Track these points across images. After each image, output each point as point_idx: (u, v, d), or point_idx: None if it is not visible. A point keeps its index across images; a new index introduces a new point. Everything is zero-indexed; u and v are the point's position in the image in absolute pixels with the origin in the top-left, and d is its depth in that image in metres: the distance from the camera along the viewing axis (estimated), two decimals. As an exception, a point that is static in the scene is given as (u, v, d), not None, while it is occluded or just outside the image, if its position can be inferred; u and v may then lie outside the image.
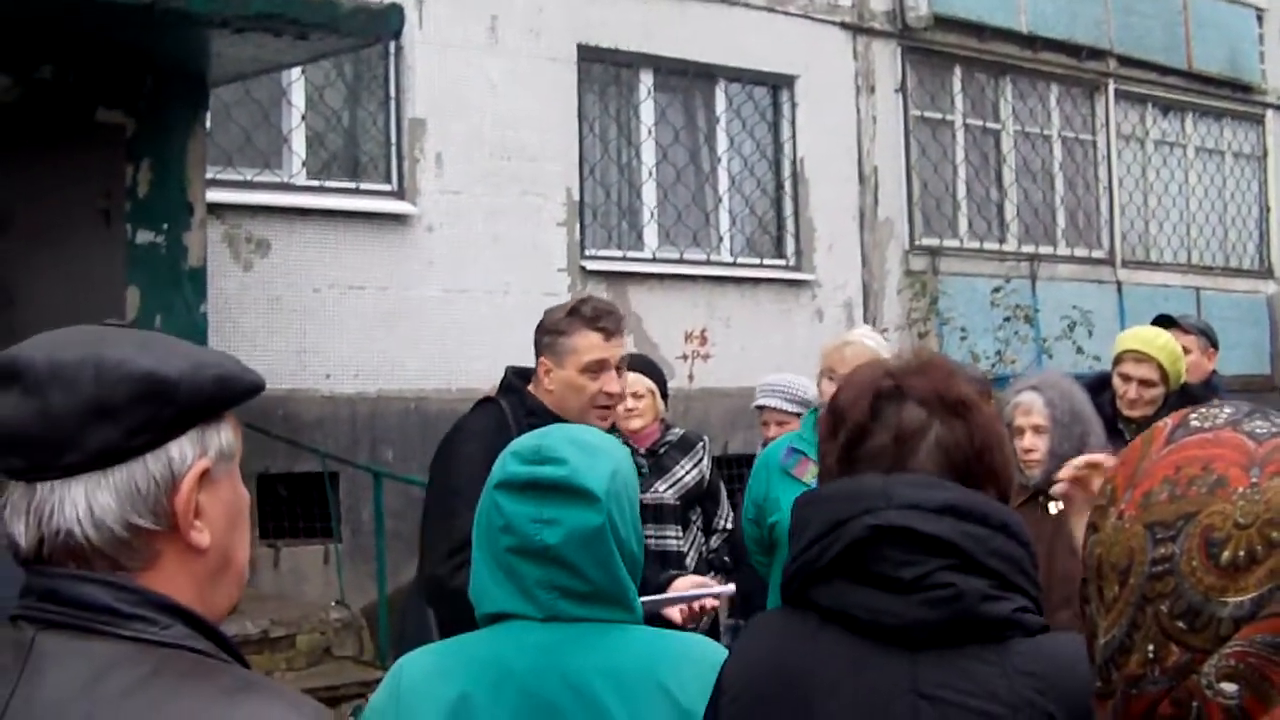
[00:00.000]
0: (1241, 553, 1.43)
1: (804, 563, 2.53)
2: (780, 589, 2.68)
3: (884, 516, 2.48)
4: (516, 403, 5.18)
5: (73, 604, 1.82)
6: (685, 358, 14.16)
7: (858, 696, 2.42)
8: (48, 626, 1.82)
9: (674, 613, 5.10)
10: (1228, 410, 1.58)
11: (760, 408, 8.07)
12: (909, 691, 2.41)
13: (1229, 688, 1.42)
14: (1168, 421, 1.61)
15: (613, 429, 7.45)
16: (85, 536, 1.83)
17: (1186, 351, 7.74)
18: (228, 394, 1.94)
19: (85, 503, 1.83)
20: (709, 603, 5.19)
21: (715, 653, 2.95)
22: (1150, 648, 1.48)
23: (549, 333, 5.20)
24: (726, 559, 7.63)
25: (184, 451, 1.88)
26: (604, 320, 5.17)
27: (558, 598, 2.88)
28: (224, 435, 1.95)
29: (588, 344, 5.12)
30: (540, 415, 5.02)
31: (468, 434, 5.15)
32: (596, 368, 5.12)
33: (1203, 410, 1.60)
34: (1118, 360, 7.10)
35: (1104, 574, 1.55)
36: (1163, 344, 7.09)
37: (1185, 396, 7.07)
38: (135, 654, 1.80)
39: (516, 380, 5.29)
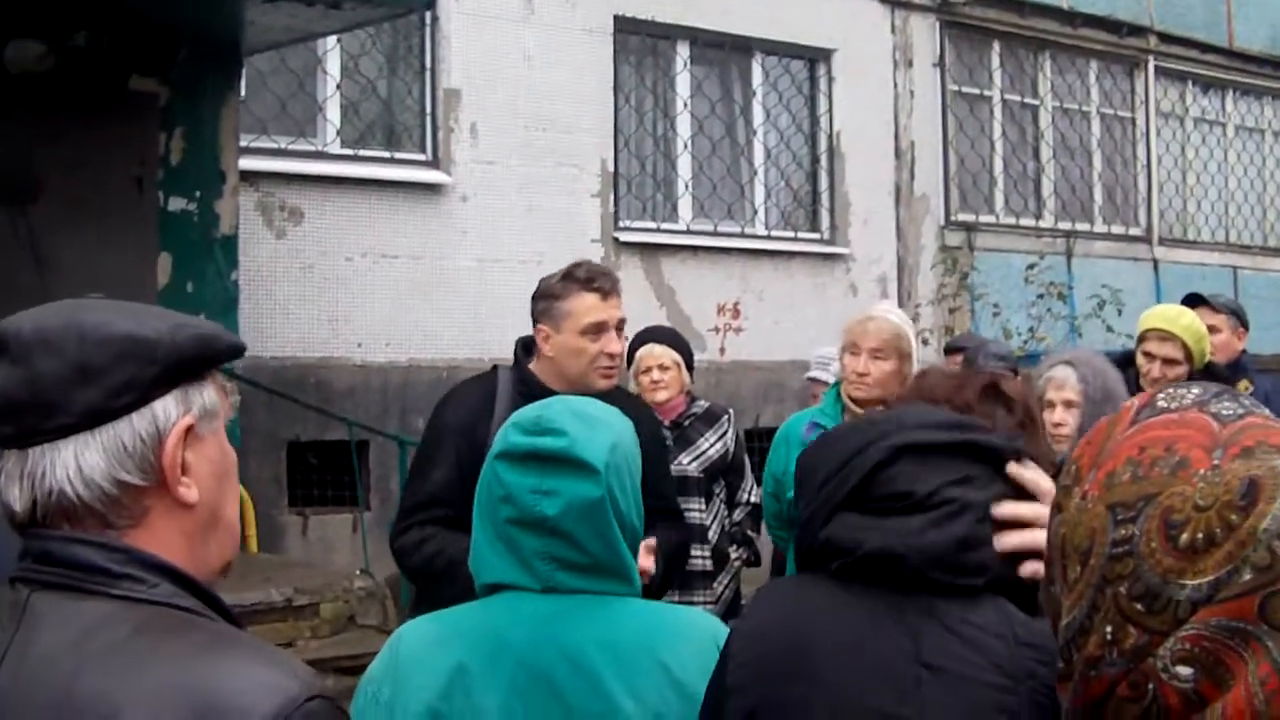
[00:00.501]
0: (1200, 535, 1.43)
1: (819, 503, 2.55)
2: (795, 552, 2.70)
3: (902, 437, 2.53)
4: (514, 373, 5.22)
5: (65, 564, 1.88)
6: (717, 330, 14.15)
7: (863, 666, 2.42)
8: (42, 587, 1.88)
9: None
10: (1195, 391, 1.57)
11: (813, 379, 7.97)
12: (914, 661, 2.40)
13: (1184, 671, 1.42)
14: (1134, 402, 1.60)
15: (639, 399, 7.50)
16: (76, 495, 1.88)
17: (1216, 331, 7.69)
18: (208, 353, 1.99)
19: (75, 462, 1.88)
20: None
21: (714, 628, 2.95)
22: (1108, 629, 1.48)
23: (544, 298, 5.18)
24: (750, 532, 7.63)
25: (168, 409, 1.93)
26: (599, 281, 5.14)
27: (556, 569, 2.87)
28: (207, 394, 1.99)
29: (584, 306, 5.09)
30: (530, 385, 5.05)
31: (451, 402, 5.23)
32: (595, 329, 5.09)
33: (1170, 390, 1.59)
34: (1141, 339, 7.04)
35: (1067, 555, 1.54)
36: (1186, 323, 7.03)
37: (1209, 376, 7.03)
38: (122, 612, 1.85)
39: (520, 350, 5.30)
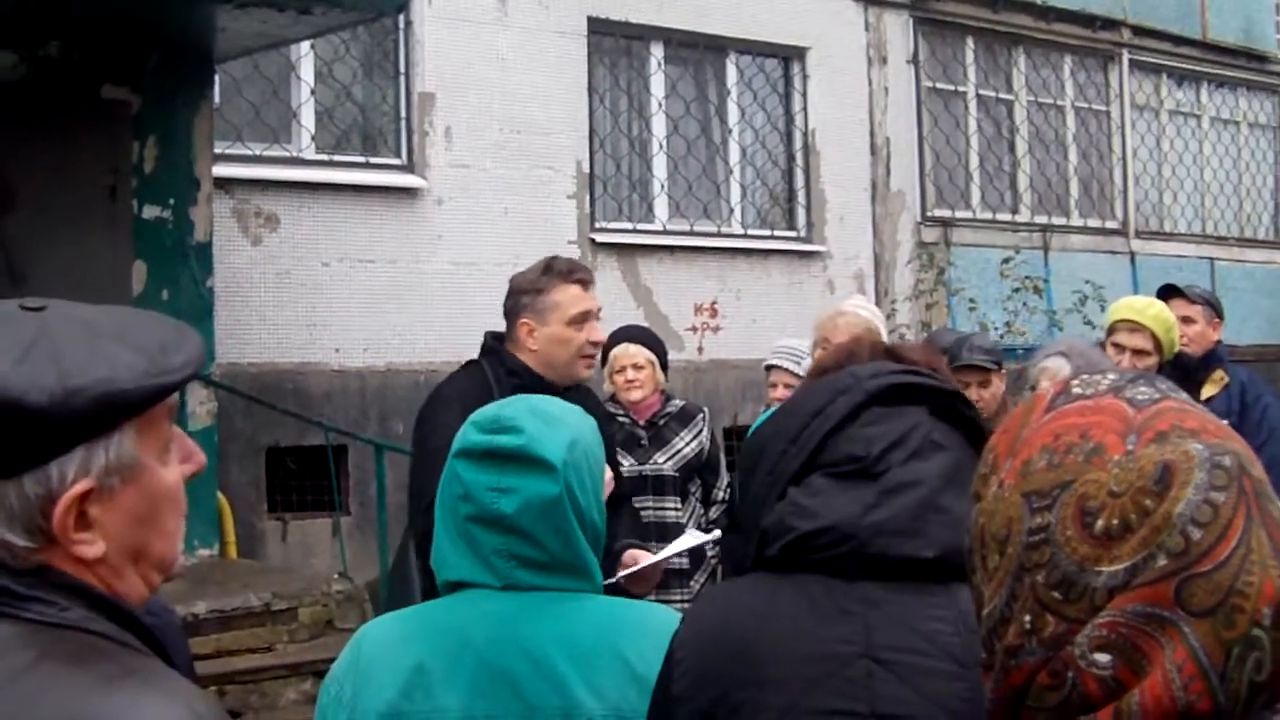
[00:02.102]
0: (1116, 521, 1.44)
1: (781, 470, 2.49)
2: (744, 538, 2.65)
3: (863, 387, 2.50)
4: (496, 363, 5.28)
5: None
6: (695, 329, 14.16)
7: (810, 662, 2.37)
8: None
9: (635, 587, 5.17)
10: (1111, 376, 1.58)
11: (771, 367, 7.98)
12: (863, 656, 2.36)
13: (1102, 658, 1.43)
14: (1050, 389, 1.60)
15: (613, 400, 7.52)
16: None
17: (1191, 322, 7.69)
18: (110, 413, 1.83)
19: None
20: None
21: (673, 623, 2.94)
22: (1027, 618, 1.48)
23: (526, 293, 5.30)
24: (723, 531, 7.62)
25: (64, 471, 1.80)
26: (579, 273, 5.34)
27: (515, 566, 2.88)
28: (114, 450, 1.84)
29: (569, 297, 5.25)
30: (520, 374, 5.19)
31: (446, 397, 5.27)
32: (581, 319, 5.25)
33: (1086, 377, 1.59)
34: (1111, 330, 7.01)
35: (985, 544, 1.55)
36: (1155, 313, 7.02)
37: (1179, 368, 7.05)
38: (28, 637, 1.76)
39: (495, 342, 5.39)
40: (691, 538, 5.99)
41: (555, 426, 2.96)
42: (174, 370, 1.89)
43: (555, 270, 5.31)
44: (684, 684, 2.48)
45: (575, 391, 5.27)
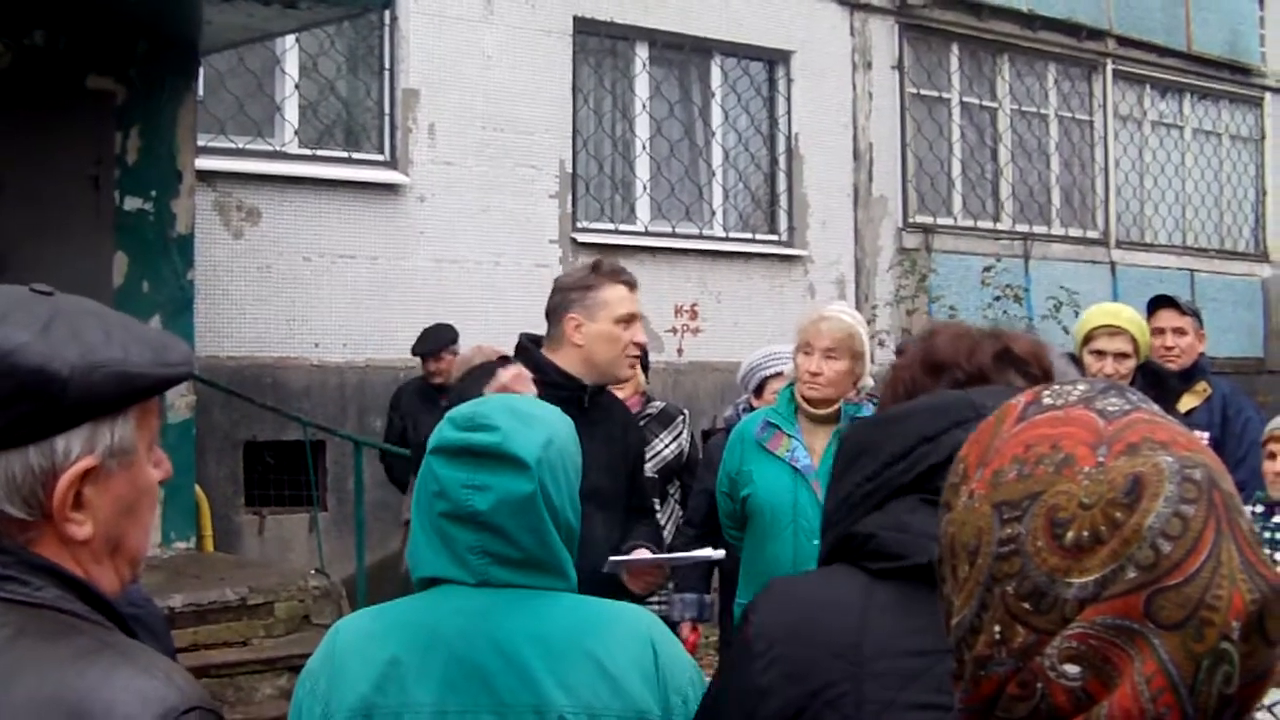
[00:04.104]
0: (1085, 533, 1.44)
1: (881, 482, 2.45)
2: (823, 529, 2.61)
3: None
4: (526, 362, 5.30)
5: None
6: (675, 331, 14.17)
7: (907, 657, 2.34)
8: None
9: (634, 583, 5.22)
10: (1081, 387, 1.58)
11: (775, 375, 7.83)
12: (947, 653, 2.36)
13: (1071, 669, 1.43)
14: (1021, 399, 1.61)
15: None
16: None
17: (1183, 333, 7.70)
18: (124, 393, 1.88)
19: None
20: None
21: (647, 621, 2.99)
22: (997, 629, 1.48)
23: (575, 289, 5.39)
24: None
25: (70, 447, 1.84)
26: (625, 275, 5.44)
27: (489, 563, 2.91)
28: (119, 432, 1.89)
29: (618, 296, 5.35)
30: (547, 371, 5.23)
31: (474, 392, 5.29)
32: (629, 319, 5.36)
33: (1057, 387, 1.59)
34: (1088, 338, 7.01)
35: (955, 554, 1.55)
36: (1130, 315, 7.07)
37: (1147, 372, 7.07)
38: (3, 614, 1.79)
39: (529, 342, 5.47)
40: (698, 553, 6.02)
41: (531, 425, 2.98)
42: (176, 364, 1.96)
43: (603, 270, 5.41)
44: (772, 676, 2.43)
45: (602, 395, 5.44)
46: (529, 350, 5.39)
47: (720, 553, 6.04)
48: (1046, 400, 1.58)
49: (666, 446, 7.55)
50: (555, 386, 4.98)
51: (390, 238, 12.61)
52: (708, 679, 2.80)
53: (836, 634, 2.41)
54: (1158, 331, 7.57)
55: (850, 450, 2.58)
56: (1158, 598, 1.41)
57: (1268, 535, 6.44)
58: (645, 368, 7.76)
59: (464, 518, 2.91)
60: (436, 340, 10.98)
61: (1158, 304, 7.85)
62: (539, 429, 2.98)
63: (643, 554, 5.27)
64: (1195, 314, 8.04)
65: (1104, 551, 1.43)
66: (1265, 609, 1.43)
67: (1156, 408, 1.56)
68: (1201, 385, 7.60)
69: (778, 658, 2.44)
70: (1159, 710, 1.40)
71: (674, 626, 7.35)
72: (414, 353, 11.05)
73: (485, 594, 2.91)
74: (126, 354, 1.89)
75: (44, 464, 1.83)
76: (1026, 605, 1.46)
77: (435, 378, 10.75)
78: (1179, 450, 1.49)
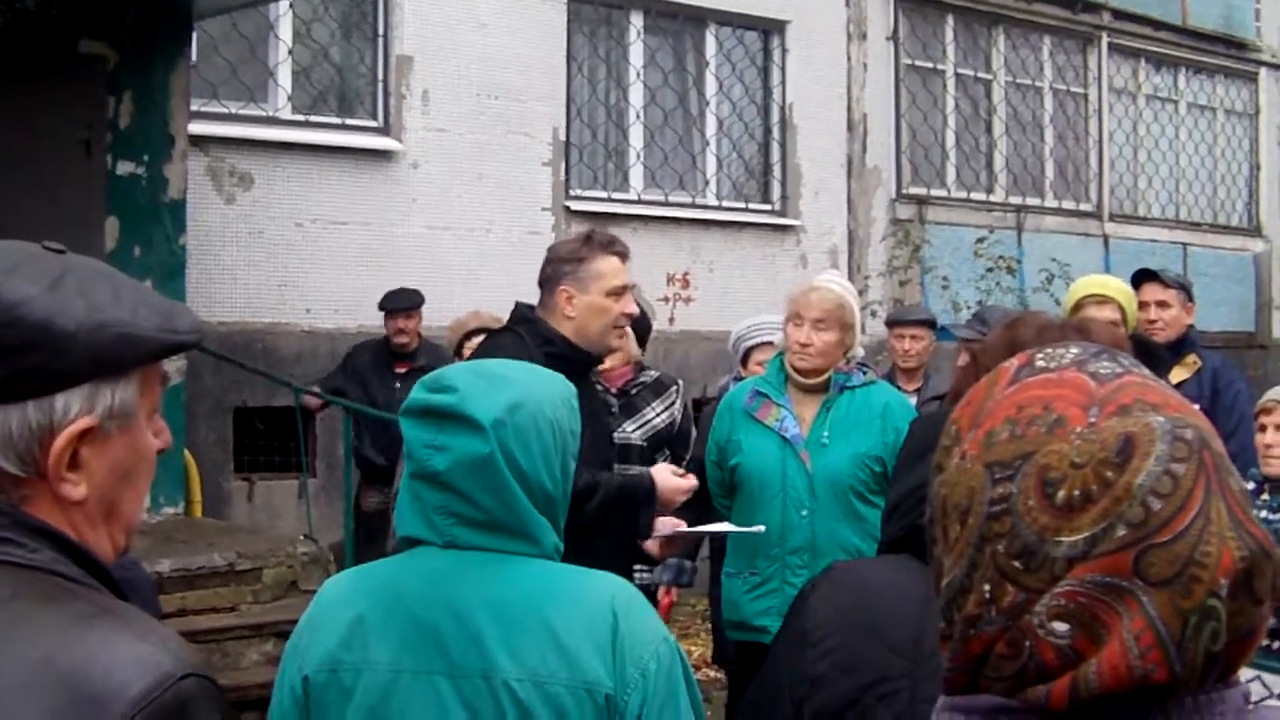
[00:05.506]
0: (1076, 492, 1.45)
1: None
2: (886, 517, 2.58)
3: None
4: (532, 332, 5.32)
5: None
6: (667, 300, 14.16)
7: None
8: None
9: (651, 545, 5.33)
10: (1074, 350, 1.59)
11: (762, 345, 7.87)
12: None
13: (1060, 627, 1.44)
14: (1014, 361, 1.61)
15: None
16: None
17: (1167, 306, 7.73)
18: (128, 354, 1.87)
19: None
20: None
21: (614, 591, 2.97)
22: (987, 588, 1.49)
23: (568, 261, 5.41)
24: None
25: (69, 405, 1.83)
26: (617, 245, 5.48)
27: (454, 524, 2.96)
28: (120, 395, 1.88)
29: (611, 268, 5.40)
30: (556, 343, 5.28)
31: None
32: (620, 291, 5.40)
33: (1049, 350, 1.60)
34: (1077, 307, 7.04)
35: (947, 514, 1.56)
36: (1118, 286, 7.12)
37: (1137, 344, 7.08)
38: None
39: (528, 311, 5.47)
40: (734, 526, 6.13)
41: (497, 387, 3.01)
42: (183, 332, 1.96)
43: (596, 241, 5.43)
44: (825, 666, 2.45)
45: (591, 372, 5.54)
46: (535, 321, 5.40)
47: (761, 528, 6.09)
48: (1039, 363, 1.59)
49: (658, 415, 7.54)
50: (563, 359, 4.96)
51: (383, 204, 12.58)
52: (685, 648, 2.77)
53: (895, 628, 2.42)
54: (1142, 305, 7.58)
55: (922, 438, 2.58)
56: (1147, 555, 1.42)
57: (1264, 516, 6.42)
58: (645, 338, 7.77)
59: (427, 477, 2.97)
60: (408, 299, 10.99)
61: (1141, 278, 7.86)
62: (506, 391, 3.00)
63: (670, 524, 5.33)
64: (1181, 287, 8.04)
65: (1095, 510, 1.44)
66: (1253, 567, 1.44)
67: (1148, 371, 1.57)
68: (1191, 358, 7.62)
69: (833, 648, 2.46)
70: (1147, 667, 1.41)
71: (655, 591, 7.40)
72: (381, 308, 11.03)
73: (450, 556, 2.97)
74: (134, 316, 1.89)
75: (42, 420, 1.82)
76: (1017, 564, 1.47)
77: (400, 336, 10.81)
78: (1170, 411, 1.50)
